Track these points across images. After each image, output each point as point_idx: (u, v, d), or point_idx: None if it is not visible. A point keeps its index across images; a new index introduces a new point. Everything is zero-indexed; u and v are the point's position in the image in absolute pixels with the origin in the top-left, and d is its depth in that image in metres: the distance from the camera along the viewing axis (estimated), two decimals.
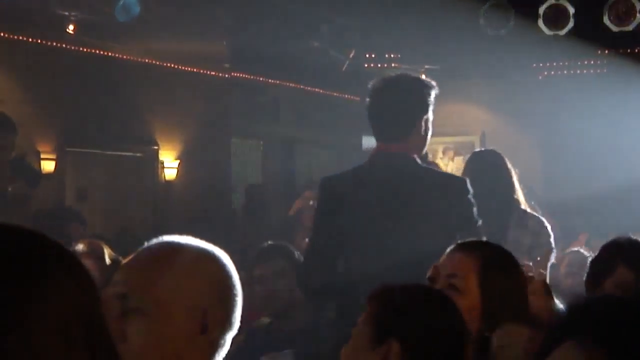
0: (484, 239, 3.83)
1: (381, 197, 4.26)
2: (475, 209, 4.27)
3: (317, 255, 4.37)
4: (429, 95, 4.42)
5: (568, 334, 1.17)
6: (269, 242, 5.46)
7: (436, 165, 4.90)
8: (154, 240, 2.23)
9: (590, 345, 1.12)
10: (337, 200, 4.34)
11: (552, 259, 5.45)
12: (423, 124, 4.39)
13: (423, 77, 4.67)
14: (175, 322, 2.10)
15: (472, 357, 2.91)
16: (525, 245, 5.57)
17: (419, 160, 4.38)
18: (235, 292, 2.21)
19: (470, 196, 4.28)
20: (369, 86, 4.50)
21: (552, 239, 5.75)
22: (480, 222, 4.28)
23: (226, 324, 2.18)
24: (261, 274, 5.16)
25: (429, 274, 3.04)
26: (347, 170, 4.62)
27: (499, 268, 3.03)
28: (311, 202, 8.67)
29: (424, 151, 4.51)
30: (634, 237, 3.83)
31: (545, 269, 3.90)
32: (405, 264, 3.78)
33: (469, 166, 6.02)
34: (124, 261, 2.24)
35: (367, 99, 4.49)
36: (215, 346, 2.16)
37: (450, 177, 4.69)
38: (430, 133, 4.44)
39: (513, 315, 2.92)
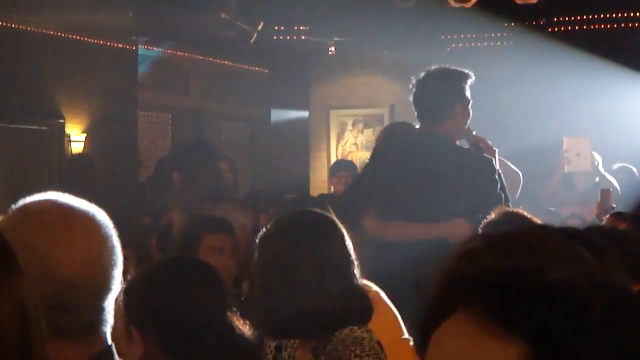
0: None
1: (416, 171, 4.92)
2: (498, 187, 4.93)
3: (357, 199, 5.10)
4: (465, 83, 5.07)
5: (459, 300, 1.06)
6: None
7: (483, 140, 5.26)
8: None
9: (485, 317, 1.03)
10: (383, 165, 5.12)
11: None
12: (460, 108, 5.06)
13: (460, 69, 5.21)
14: None
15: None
16: None
17: (455, 141, 5.06)
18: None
19: (495, 175, 4.96)
20: (413, 78, 5.14)
21: None
22: (500, 193, 4.94)
23: None
24: None
25: None
26: (396, 143, 5.48)
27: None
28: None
29: (464, 131, 5.15)
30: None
31: None
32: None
33: (383, 138, 6.10)
34: None
35: (412, 89, 5.14)
36: None
37: (477, 157, 5.10)
38: (470, 116, 5.12)
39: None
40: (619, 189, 7.60)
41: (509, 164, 6.77)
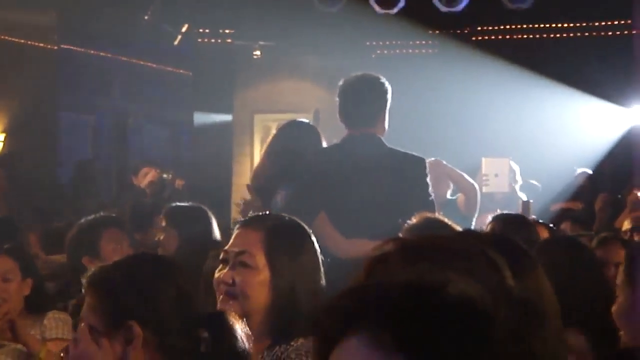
0: (437, 214, 4.48)
1: (351, 173, 4.95)
2: (430, 188, 4.99)
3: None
4: (388, 92, 5.22)
5: (358, 319, 1.02)
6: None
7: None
8: None
9: (382, 337, 0.99)
10: (317, 173, 5.06)
11: None
12: (385, 114, 5.18)
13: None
14: None
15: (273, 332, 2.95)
16: None
17: (385, 142, 5.10)
18: None
19: (427, 175, 5.01)
20: (340, 83, 5.19)
21: None
22: (432, 198, 4.96)
23: None
24: None
25: (221, 256, 3.08)
26: (325, 147, 5.46)
27: (285, 238, 3.03)
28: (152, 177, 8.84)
29: (383, 137, 5.19)
30: None
31: None
32: (365, 235, 4.57)
33: (280, 135, 5.88)
34: None
35: (339, 94, 5.16)
36: None
37: (409, 157, 5.11)
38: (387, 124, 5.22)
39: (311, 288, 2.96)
40: (531, 201, 7.74)
41: (464, 174, 6.76)
